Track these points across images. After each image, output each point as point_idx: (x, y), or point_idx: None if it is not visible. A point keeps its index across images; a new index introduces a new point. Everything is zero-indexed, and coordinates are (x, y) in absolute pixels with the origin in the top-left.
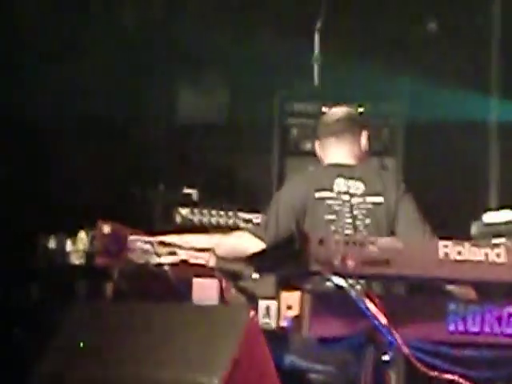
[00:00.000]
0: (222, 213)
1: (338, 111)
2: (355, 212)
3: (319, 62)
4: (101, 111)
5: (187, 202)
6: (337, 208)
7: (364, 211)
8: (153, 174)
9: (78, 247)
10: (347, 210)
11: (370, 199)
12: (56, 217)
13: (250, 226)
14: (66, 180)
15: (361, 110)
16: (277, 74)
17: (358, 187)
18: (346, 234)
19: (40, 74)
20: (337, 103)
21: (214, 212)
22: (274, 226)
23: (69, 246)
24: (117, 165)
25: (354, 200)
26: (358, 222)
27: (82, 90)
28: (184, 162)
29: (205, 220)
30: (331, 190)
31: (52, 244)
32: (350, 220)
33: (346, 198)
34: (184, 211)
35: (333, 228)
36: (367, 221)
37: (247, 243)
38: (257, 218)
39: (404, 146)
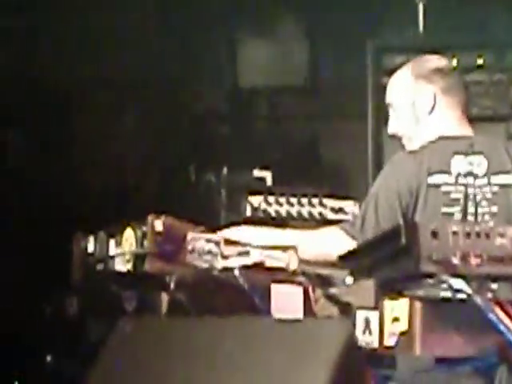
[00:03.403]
0: (303, 200)
1: (442, 59)
2: (478, 198)
3: (425, 1)
4: (143, 74)
5: (259, 187)
6: (456, 196)
7: (489, 195)
8: (213, 153)
9: (123, 249)
10: (470, 197)
11: (495, 180)
12: (95, 211)
13: (343, 223)
14: (104, 163)
15: (480, 61)
16: (367, 19)
17: (479, 164)
18: (467, 224)
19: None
20: (449, 54)
21: (293, 200)
22: (374, 225)
23: (112, 248)
24: (167, 142)
25: (477, 182)
26: (481, 211)
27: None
28: (253, 136)
29: (282, 210)
30: (448, 172)
31: (91, 246)
32: (472, 210)
33: (468, 181)
34: (256, 200)
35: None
36: (494, 208)
37: (338, 245)
38: (349, 206)
39: None
